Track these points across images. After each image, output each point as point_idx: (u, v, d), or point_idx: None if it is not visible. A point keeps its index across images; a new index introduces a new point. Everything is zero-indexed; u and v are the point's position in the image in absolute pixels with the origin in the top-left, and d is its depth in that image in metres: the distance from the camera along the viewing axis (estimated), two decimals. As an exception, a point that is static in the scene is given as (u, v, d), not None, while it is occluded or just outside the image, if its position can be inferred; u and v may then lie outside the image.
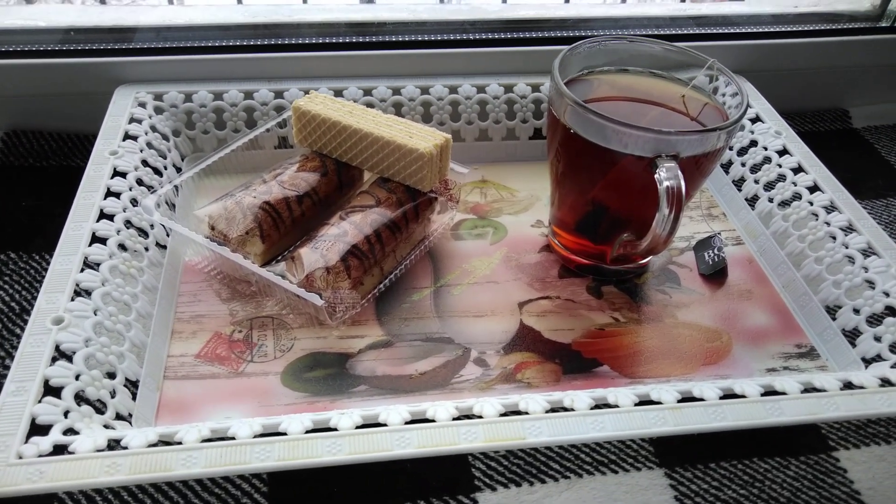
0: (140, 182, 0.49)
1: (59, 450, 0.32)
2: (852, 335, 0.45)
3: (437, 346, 0.45)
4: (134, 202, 0.47)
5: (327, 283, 0.43)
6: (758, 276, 0.52)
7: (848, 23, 0.67)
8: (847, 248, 0.47)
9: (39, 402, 0.34)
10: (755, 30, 0.65)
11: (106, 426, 0.36)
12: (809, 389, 0.38)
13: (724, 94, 0.47)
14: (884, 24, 0.67)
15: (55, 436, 0.33)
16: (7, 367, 0.42)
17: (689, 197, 0.47)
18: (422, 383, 0.43)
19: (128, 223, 0.46)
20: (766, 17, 0.66)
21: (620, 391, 0.37)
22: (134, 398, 0.39)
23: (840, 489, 0.40)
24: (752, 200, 0.56)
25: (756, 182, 0.56)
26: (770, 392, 0.38)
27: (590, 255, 0.50)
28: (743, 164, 0.57)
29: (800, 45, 0.64)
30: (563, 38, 0.62)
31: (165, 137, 0.55)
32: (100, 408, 0.36)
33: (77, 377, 0.36)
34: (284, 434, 0.34)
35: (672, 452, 0.41)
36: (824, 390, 0.38)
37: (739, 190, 0.57)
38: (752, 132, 0.58)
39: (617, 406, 0.36)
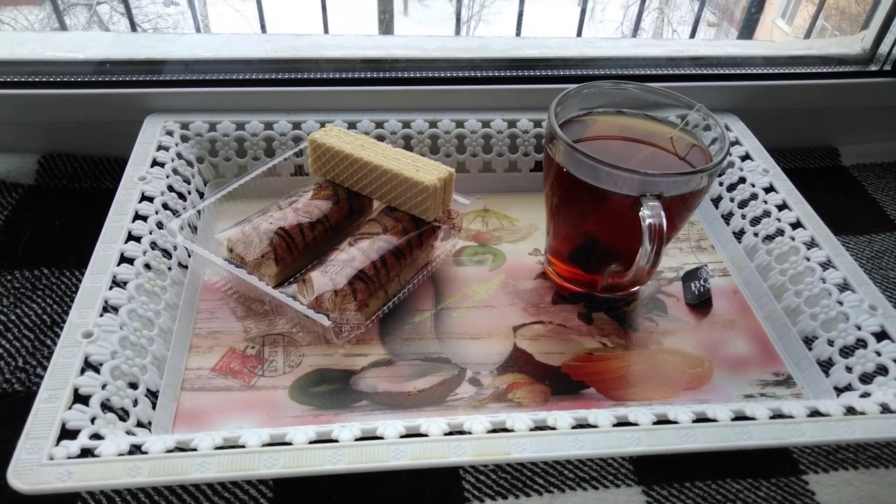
0: (165, 206, 0.53)
1: (86, 453, 0.36)
2: (826, 365, 0.48)
3: (435, 366, 0.48)
4: (160, 225, 0.51)
5: (335, 305, 0.46)
6: (741, 307, 0.55)
7: (839, 66, 0.70)
8: (825, 282, 0.50)
9: (69, 408, 0.38)
10: (749, 71, 0.68)
11: (128, 432, 0.39)
12: (778, 416, 0.41)
13: (710, 136, 0.51)
14: (873, 68, 0.70)
15: (83, 440, 0.37)
16: (38, 376, 0.46)
17: (676, 230, 0.51)
18: (419, 400, 0.46)
19: (153, 244, 0.49)
20: (759, 58, 0.69)
21: (601, 412, 0.40)
22: (154, 407, 0.42)
23: (808, 511, 0.43)
24: (740, 234, 0.59)
25: (743, 217, 0.59)
26: (741, 417, 0.41)
27: (582, 283, 0.53)
28: (731, 200, 0.60)
29: (791, 86, 0.67)
30: (565, 76, 0.65)
31: (190, 164, 0.59)
32: (123, 416, 0.40)
33: (103, 387, 0.39)
34: (290, 444, 0.37)
35: (650, 471, 0.44)
36: (792, 416, 0.41)
37: (728, 224, 0.60)
38: (742, 170, 0.61)
39: (596, 426, 0.39)
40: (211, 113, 0.61)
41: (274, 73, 0.63)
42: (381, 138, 0.60)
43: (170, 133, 0.59)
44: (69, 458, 0.36)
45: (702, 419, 0.40)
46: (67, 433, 0.37)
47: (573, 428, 0.39)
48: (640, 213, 0.43)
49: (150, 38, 0.65)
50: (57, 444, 0.36)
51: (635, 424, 0.40)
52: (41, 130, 0.63)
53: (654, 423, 0.40)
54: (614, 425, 0.39)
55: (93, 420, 0.38)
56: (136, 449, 0.37)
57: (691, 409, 0.41)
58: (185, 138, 0.60)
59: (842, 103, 0.70)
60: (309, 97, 0.62)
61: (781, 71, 0.68)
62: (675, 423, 0.40)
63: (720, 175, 0.62)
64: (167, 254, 0.50)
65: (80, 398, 0.39)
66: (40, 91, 0.60)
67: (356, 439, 0.38)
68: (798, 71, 0.68)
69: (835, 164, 0.72)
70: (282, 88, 0.62)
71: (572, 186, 0.47)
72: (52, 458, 0.35)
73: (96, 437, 0.38)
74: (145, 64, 0.64)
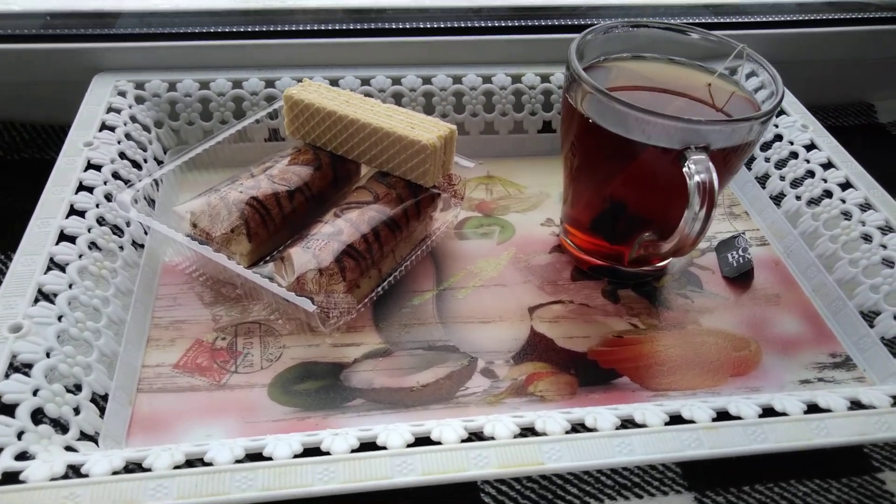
0: (116, 176, 0.45)
1: (10, 478, 0.28)
2: (892, 344, 0.42)
3: (440, 356, 0.41)
4: (108, 197, 0.43)
5: (320, 286, 0.39)
6: (785, 280, 0.48)
7: (875, 12, 0.63)
8: (885, 248, 0.44)
9: (-10, 421, 0.30)
10: (775, 18, 0.61)
11: (68, 448, 0.31)
12: (856, 406, 0.34)
13: (755, 82, 0.43)
14: (914, 14, 0.63)
15: (6, 461, 0.29)
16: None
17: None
18: (424, 397, 0.39)
19: (101, 220, 0.41)
20: (790, 5, 0.63)
21: (648, 408, 0.33)
22: (102, 414, 0.35)
23: (887, 516, 0.36)
24: (778, 198, 0.52)
25: (782, 179, 0.52)
26: (812, 408, 0.34)
27: (605, 255, 0.46)
28: (767, 160, 0.54)
29: (824, 34, 0.61)
30: (573, 26, 0.58)
31: (146, 129, 0.51)
32: (62, 426, 0.32)
33: (35, 392, 0.32)
34: (270, 459, 0.30)
35: (702, 474, 0.37)
36: (873, 407, 0.34)
37: (763, 187, 0.53)
38: (777, 126, 0.54)
39: (645, 426, 0.32)
40: (170, 71, 0.53)
41: (242, 26, 0.55)
42: (368, 96, 0.53)
43: (122, 94, 0.51)
44: (-13, 485, 0.28)
45: (767, 411, 0.34)
46: (-14, 453, 0.29)
47: (617, 429, 0.32)
48: (686, 170, 0.36)
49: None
50: (-29, 468, 0.28)
51: (690, 422, 0.33)
52: (-29, 94, 0.54)
53: (713, 420, 0.33)
54: (666, 423, 0.32)
55: (20, 435, 0.30)
56: (74, 471, 0.29)
57: (753, 400, 0.34)
58: (140, 99, 0.52)
59: (878, 54, 0.63)
60: (283, 51, 0.54)
61: (811, 17, 0.61)
62: (738, 418, 0.33)
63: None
64: (118, 231, 0.43)
65: (5, 408, 0.31)
66: (-33, 47, 0.52)
67: (352, 450, 0.30)
68: (830, 17, 0.61)
69: (870, 121, 0.66)
70: (252, 41, 0.54)
71: (599, 142, 0.40)
72: (-37, 487, 0.28)
73: (24, 456, 0.30)
74: (93, 16, 0.55)
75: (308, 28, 0.55)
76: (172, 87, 0.52)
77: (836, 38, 0.61)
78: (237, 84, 0.53)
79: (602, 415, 0.33)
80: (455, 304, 0.44)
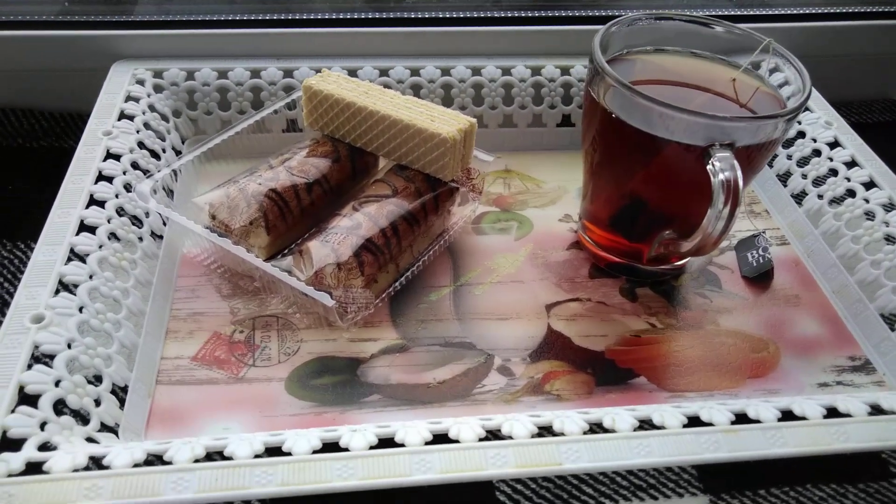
0: (135, 166, 0.45)
1: (33, 468, 0.28)
2: (914, 348, 0.41)
3: (456, 352, 0.41)
4: (128, 187, 0.43)
5: (338, 281, 0.39)
6: (805, 280, 0.47)
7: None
8: (909, 251, 0.43)
9: (12, 412, 0.30)
10: (800, 11, 0.60)
11: (89, 439, 0.32)
12: (877, 410, 0.34)
13: (780, 77, 0.43)
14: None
15: (29, 451, 0.29)
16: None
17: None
18: (440, 393, 0.39)
19: (120, 210, 0.42)
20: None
21: (666, 410, 0.33)
22: (122, 406, 0.35)
23: (906, 522, 0.36)
24: (799, 197, 0.51)
25: (804, 177, 0.51)
26: (832, 412, 0.34)
27: (623, 253, 0.46)
28: (789, 157, 0.53)
29: (850, 28, 0.60)
30: (595, 17, 0.57)
31: (165, 118, 0.51)
32: (84, 417, 0.32)
33: (57, 383, 0.32)
34: (289, 454, 0.30)
35: (717, 477, 0.37)
36: (893, 412, 0.34)
37: (785, 185, 0.53)
38: (800, 122, 0.53)
39: (663, 427, 0.32)
40: (189, 59, 0.53)
41: (261, 14, 0.55)
42: (387, 87, 0.52)
43: (141, 82, 0.51)
44: (10, 475, 0.28)
45: (786, 414, 0.33)
46: (9, 443, 0.29)
47: (635, 430, 0.32)
48: (710, 167, 0.36)
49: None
50: (-5, 458, 0.29)
51: (709, 424, 0.32)
52: (-9, 80, 0.54)
53: (732, 423, 0.33)
54: (684, 426, 0.32)
55: (42, 426, 0.31)
56: (96, 462, 0.29)
57: (772, 404, 0.34)
58: (158, 88, 0.52)
59: (904, 49, 0.62)
60: (302, 40, 0.53)
61: (834, 10, 0.60)
62: (757, 421, 0.33)
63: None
64: (137, 222, 0.43)
65: (28, 398, 0.31)
66: (-12, 33, 0.52)
67: (370, 447, 0.30)
68: (854, 10, 0.60)
69: (895, 118, 0.64)
70: (270, 30, 0.53)
71: (621, 137, 0.40)
72: (-13, 477, 0.28)
73: (47, 447, 0.30)
74: (112, 3, 0.55)
75: (327, 17, 0.55)
76: (191, 75, 0.52)
77: (862, 32, 0.60)
78: (255, 73, 0.53)
79: (620, 416, 0.32)
80: (472, 301, 0.44)
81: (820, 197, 0.49)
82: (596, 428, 0.32)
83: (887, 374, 0.42)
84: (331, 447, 0.30)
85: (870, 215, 0.46)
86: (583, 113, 0.43)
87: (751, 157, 0.39)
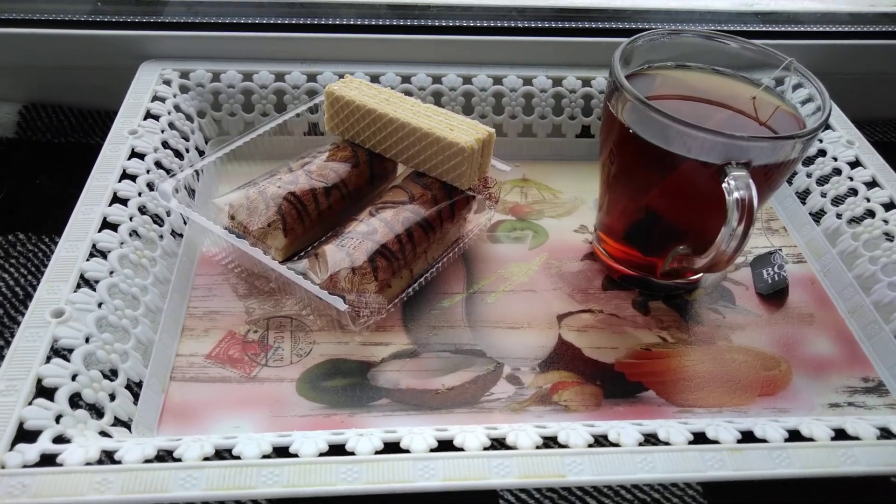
0: (159, 165, 0.46)
1: (47, 460, 0.29)
2: (929, 372, 0.41)
3: (466, 360, 0.41)
4: (151, 186, 0.44)
5: (352, 285, 0.39)
6: (820, 299, 0.47)
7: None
8: (927, 274, 0.43)
9: (30, 404, 0.31)
10: (823, 29, 0.60)
11: (102, 433, 0.32)
12: (886, 434, 0.34)
13: (800, 96, 0.43)
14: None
15: (44, 443, 0.30)
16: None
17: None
18: (448, 400, 0.39)
19: (142, 209, 0.42)
20: (842, 15, 0.61)
21: (672, 426, 0.33)
22: (136, 401, 0.36)
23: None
24: (818, 215, 0.51)
25: (823, 196, 0.51)
26: (840, 433, 0.34)
27: (637, 266, 0.46)
28: (809, 175, 0.52)
29: (874, 46, 0.59)
30: (618, 29, 0.57)
31: (189, 118, 0.52)
32: (97, 411, 0.33)
33: (74, 377, 0.33)
34: (296, 456, 0.30)
35: (722, 495, 0.37)
36: (904, 437, 0.34)
37: (803, 203, 0.52)
38: (821, 140, 0.53)
39: (668, 443, 0.32)
40: (215, 61, 0.54)
41: (287, 18, 0.56)
42: (407, 94, 0.53)
43: (167, 82, 0.52)
44: (25, 466, 0.29)
45: (795, 436, 0.33)
46: (26, 434, 0.30)
47: (640, 444, 0.32)
48: (725, 185, 0.36)
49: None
50: (11, 449, 0.29)
51: (715, 442, 0.32)
52: (22, 77, 0.56)
53: (738, 442, 0.33)
54: (690, 442, 0.32)
55: (58, 419, 0.31)
56: (108, 456, 0.30)
57: (780, 424, 0.34)
58: (184, 89, 0.53)
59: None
60: (326, 45, 0.54)
61: (858, 29, 0.60)
62: (763, 441, 0.33)
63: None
64: (158, 220, 0.43)
65: (45, 391, 0.32)
66: (21, 30, 0.53)
67: (376, 452, 0.31)
68: (879, 30, 0.60)
69: (920, 138, 0.64)
70: (296, 34, 0.54)
71: (638, 151, 0.40)
72: (3, 467, 0.29)
73: (61, 440, 0.31)
74: (142, 3, 0.56)
75: (351, 23, 0.56)
76: (216, 77, 0.53)
77: (886, 51, 0.59)
78: (279, 77, 0.53)
79: (626, 430, 0.33)
80: (484, 308, 0.44)
81: (839, 216, 0.49)
82: (601, 441, 0.32)
83: (901, 398, 0.41)
84: (337, 450, 0.31)
85: (889, 236, 0.46)
86: (601, 126, 0.44)
87: (768, 176, 0.39)
